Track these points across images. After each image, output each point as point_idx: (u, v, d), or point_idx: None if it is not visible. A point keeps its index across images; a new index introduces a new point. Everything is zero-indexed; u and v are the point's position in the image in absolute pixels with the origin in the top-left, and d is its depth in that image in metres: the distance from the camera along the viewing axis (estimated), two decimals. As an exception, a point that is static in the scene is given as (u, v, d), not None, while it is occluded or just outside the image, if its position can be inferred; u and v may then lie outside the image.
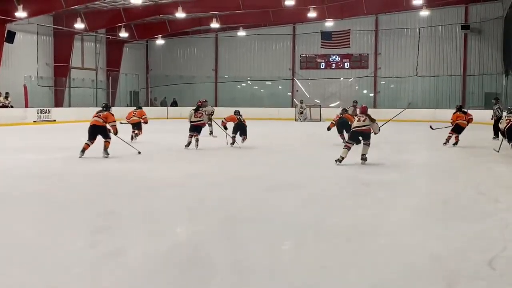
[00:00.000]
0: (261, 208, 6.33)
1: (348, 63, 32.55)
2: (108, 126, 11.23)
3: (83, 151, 10.98)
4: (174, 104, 33.72)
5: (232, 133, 14.04)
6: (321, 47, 31.86)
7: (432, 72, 30.75)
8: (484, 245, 4.69)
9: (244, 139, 13.97)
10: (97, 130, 11.15)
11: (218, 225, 5.44)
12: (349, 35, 31.08)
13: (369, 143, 10.32)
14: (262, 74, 34.32)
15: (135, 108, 16.56)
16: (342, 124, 14.00)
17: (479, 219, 5.78)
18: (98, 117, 11.20)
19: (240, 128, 14.01)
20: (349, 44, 31.21)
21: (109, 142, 11.26)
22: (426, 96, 30.69)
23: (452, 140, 13.98)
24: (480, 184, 8.10)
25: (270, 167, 10.11)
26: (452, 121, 14.17)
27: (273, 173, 9.23)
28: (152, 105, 35.14)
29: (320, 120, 28.14)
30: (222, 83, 35.21)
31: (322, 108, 29.30)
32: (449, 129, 14.25)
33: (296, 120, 28.85)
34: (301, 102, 29.73)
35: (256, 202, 6.66)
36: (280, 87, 34.42)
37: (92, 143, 11.13)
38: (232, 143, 13.92)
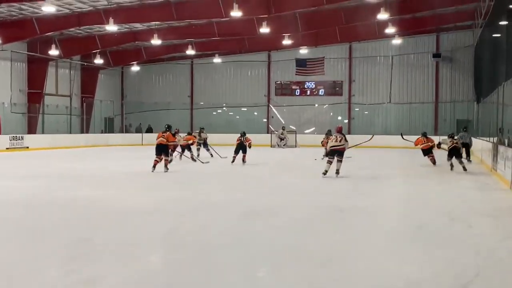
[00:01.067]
0: (236, 234, 6.29)
1: (323, 89, 32.84)
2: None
3: (154, 166, 13.66)
4: (149, 130, 33.53)
5: (234, 153, 16.52)
6: (296, 74, 32.24)
7: (405, 99, 31.25)
8: (458, 271, 4.73)
9: (244, 156, 16.44)
10: (161, 148, 13.92)
11: (193, 252, 5.38)
12: (323, 63, 31.53)
13: (342, 160, 12.64)
14: (237, 100, 34.44)
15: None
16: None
17: (453, 244, 5.83)
18: (163, 137, 14.11)
19: (241, 147, 16.47)
20: (323, 71, 31.62)
21: (167, 160, 14.04)
22: (399, 122, 31.09)
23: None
24: (453, 209, 8.18)
25: (246, 192, 10.09)
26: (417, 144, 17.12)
27: (249, 199, 9.21)
28: (127, 131, 34.96)
29: (296, 146, 28.29)
30: (198, 109, 35.22)
31: (297, 134, 29.49)
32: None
33: (272, 146, 28.92)
34: (283, 129, 29.79)
35: (232, 229, 6.62)
36: (255, 113, 34.55)
37: (160, 159, 13.94)
38: (232, 161, 16.40)
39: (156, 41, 25.97)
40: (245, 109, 34.62)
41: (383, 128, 31.27)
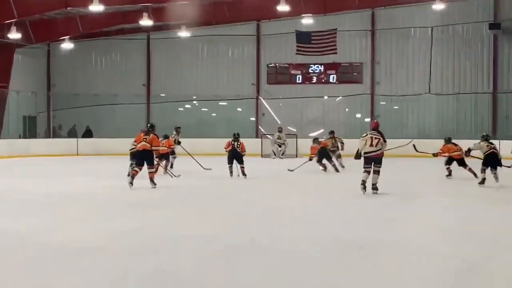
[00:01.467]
0: (211, 279, 6.28)
1: (335, 75, 32.89)
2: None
3: (132, 177, 14.59)
4: (88, 134, 33.34)
5: (228, 163, 17.79)
6: (297, 54, 32.21)
7: (451, 89, 31.37)
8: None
9: (242, 169, 17.72)
10: (144, 156, 14.79)
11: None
12: (335, 37, 31.45)
13: (380, 169, 13.42)
14: (213, 91, 34.29)
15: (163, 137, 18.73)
16: (322, 153, 18.44)
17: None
18: (145, 140, 14.80)
19: (235, 156, 17.77)
20: (335, 49, 31.57)
21: (153, 172, 14.86)
22: (443, 121, 31.22)
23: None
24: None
25: (226, 221, 10.06)
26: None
27: (230, 230, 9.18)
28: (55, 135, 34.71)
29: (297, 156, 28.19)
30: (157, 103, 35.11)
31: (298, 139, 29.47)
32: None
33: (263, 156, 28.78)
34: (280, 131, 29.49)
35: (206, 272, 6.60)
36: (239, 109, 34.56)
37: (140, 169, 14.74)
38: (231, 174, 17.74)
39: (96, 7, 25.72)
40: (225, 104, 34.59)
41: (420, 129, 31.27)
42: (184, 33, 33.15)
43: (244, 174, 17.77)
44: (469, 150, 16.61)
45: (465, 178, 17.15)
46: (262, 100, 33.81)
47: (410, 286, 6.16)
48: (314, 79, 33.16)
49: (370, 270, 6.77)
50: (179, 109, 35.16)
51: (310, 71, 33.15)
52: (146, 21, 29.33)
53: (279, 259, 7.24)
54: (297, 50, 32.04)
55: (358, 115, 32.87)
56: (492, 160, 15.61)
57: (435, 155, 18.42)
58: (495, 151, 15.76)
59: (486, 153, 15.70)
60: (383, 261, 7.18)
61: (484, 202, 12.50)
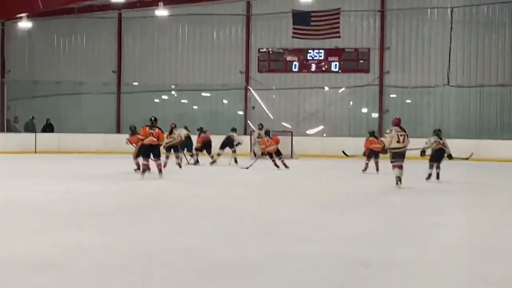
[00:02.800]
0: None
1: (337, 63, 32.88)
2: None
3: (143, 172, 17.60)
4: (48, 128, 33.20)
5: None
6: (294, 37, 32.16)
7: (474, 81, 31.34)
8: None
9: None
10: (152, 150, 17.72)
11: None
12: (338, 19, 31.49)
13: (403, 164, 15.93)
14: (195, 80, 34.33)
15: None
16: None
17: None
18: (152, 135, 17.60)
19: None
20: (338, 32, 31.57)
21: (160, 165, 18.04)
22: (464, 118, 31.17)
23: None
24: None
25: (210, 236, 9.90)
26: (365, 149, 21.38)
27: (214, 246, 9.02)
28: (10, 129, 34.56)
29: (292, 157, 28.13)
30: (130, 94, 35.02)
31: (294, 137, 29.36)
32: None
33: (251, 156, 28.75)
34: (260, 128, 29.02)
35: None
36: (225, 101, 34.54)
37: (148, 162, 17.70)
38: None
39: (59, -21, 25.64)
40: (208, 94, 34.58)
41: (436, 126, 31.08)
42: (161, 12, 32.93)
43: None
44: (424, 151, 18.27)
45: (492, 189, 17.11)
46: (252, 91, 33.82)
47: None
48: (313, 67, 33.17)
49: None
50: (155, 100, 35.12)
51: (308, 57, 33.18)
52: (117, -4, 29.22)
53: (272, 279, 7.09)
54: (294, 33, 32.00)
55: (364, 110, 32.86)
56: (439, 156, 17.93)
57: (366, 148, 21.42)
58: (443, 147, 17.92)
59: (435, 149, 17.87)
60: (390, 282, 7.06)
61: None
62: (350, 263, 8.02)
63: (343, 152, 23.27)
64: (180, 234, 10.08)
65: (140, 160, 18.76)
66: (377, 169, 20.90)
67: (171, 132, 22.18)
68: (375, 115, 32.29)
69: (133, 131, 20.80)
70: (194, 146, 25.03)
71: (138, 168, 19.06)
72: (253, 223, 11.29)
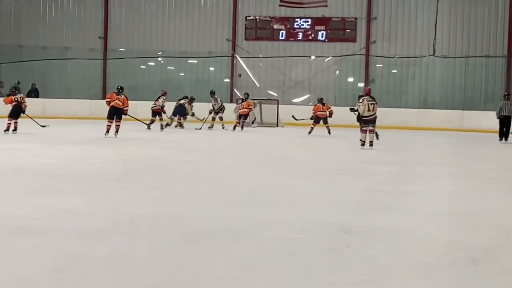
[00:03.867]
0: (175, 266, 6.11)
1: (324, 32, 32.81)
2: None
3: (108, 132, 19.83)
4: (34, 93, 33.00)
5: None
6: (280, 5, 31.98)
7: (459, 51, 31.37)
8: None
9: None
10: (116, 112, 20.21)
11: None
12: (326, -12, 31.43)
13: (374, 129, 18.12)
14: (182, 47, 34.23)
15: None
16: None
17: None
18: (118, 100, 20.24)
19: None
20: (325, 1, 31.40)
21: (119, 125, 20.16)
22: (449, 89, 31.21)
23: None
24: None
25: (193, 202, 9.92)
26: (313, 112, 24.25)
27: (197, 212, 9.03)
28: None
29: (277, 125, 28.17)
30: (115, 59, 34.83)
31: (280, 105, 29.33)
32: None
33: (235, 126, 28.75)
34: (245, 98, 28.59)
35: (169, 258, 6.44)
36: (211, 68, 34.41)
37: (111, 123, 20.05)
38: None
39: None
40: (194, 61, 34.47)
41: (422, 97, 31.33)
42: (148, -22, 32.85)
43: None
44: (354, 110, 19.46)
45: (476, 159, 17.20)
46: (239, 58, 33.74)
47: (403, 277, 6.05)
48: (300, 36, 33.10)
49: (357, 259, 6.67)
50: (141, 66, 35.03)
51: (295, 26, 33.10)
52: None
53: (255, 245, 7.10)
54: (281, 1, 31.83)
55: (350, 79, 32.86)
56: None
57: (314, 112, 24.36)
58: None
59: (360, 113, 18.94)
60: (372, 248, 7.08)
61: (497, 187, 12.44)
62: (331, 230, 8.03)
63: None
64: (164, 200, 10.11)
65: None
66: (329, 132, 23.85)
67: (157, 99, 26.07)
68: (361, 84, 32.24)
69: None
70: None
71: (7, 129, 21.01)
72: (236, 190, 11.31)
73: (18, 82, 33.58)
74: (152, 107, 25.73)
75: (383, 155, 16.90)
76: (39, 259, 6.41)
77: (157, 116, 25.46)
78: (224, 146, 19.06)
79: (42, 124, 22.72)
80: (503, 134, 22.12)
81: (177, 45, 34.24)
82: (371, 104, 17.95)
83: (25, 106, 22.06)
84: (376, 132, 19.26)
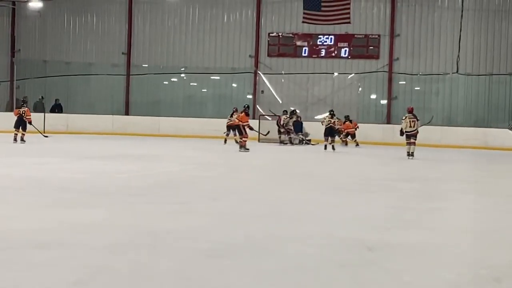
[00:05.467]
0: (197, 280, 6.09)
1: (347, 49, 32.77)
2: None
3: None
4: (57, 108, 33.14)
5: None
6: (304, 22, 32.01)
7: (483, 69, 31.23)
8: None
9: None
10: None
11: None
12: (349, 4, 31.28)
13: (415, 141, 20.92)
14: (205, 63, 34.24)
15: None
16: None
17: None
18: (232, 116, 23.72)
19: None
20: (349, 18, 31.37)
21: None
22: (473, 106, 31.07)
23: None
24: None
25: (214, 217, 9.90)
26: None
27: (219, 227, 9.01)
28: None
29: (304, 141, 28.13)
30: (139, 75, 34.90)
31: (303, 122, 29.20)
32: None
33: (259, 140, 28.68)
34: (292, 115, 28.32)
35: (191, 272, 6.43)
36: (234, 85, 34.42)
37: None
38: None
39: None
40: (217, 78, 34.48)
41: (445, 114, 31.21)
42: (172, -6, 32.97)
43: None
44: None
45: (500, 176, 17.12)
46: (261, 75, 33.74)
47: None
48: (323, 53, 33.09)
49: (381, 275, 6.62)
50: (164, 82, 35.02)
51: (318, 43, 33.08)
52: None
53: (275, 261, 7.07)
54: (304, 17, 31.83)
55: (373, 96, 32.78)
56: (329, 132, 24.00)
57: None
58: (333, 125, 24.36)
59: (326, 126, 24.12)
60: (396, 265, 7.04)
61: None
62: (354, 246, 7.99)
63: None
64: (186, 214, 10.10)
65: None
66: (357, 145, 27.54)
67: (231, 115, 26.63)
68: (383, 101, 32.24)
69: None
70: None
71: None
72: (259, 204, 11.29)
73: (42, 97, 33.99)
74: (227, 123, 26.77)
75: (406, 172, 16.86)
76: (60, 272, 6.41)
77: (231, 131, 26.31)
78: (248, 161, 19.04)
79: (45, 135, 25.77)
80: None
81: (200, 61, 34.28)
82: (411, 121, 20.87)
83: (28, 119, 24.16)
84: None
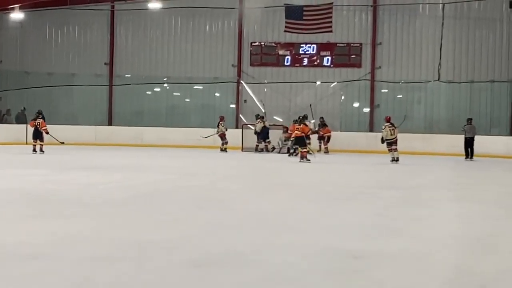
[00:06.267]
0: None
1: (330, 58, 32.80)
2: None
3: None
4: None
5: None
6: (286, 31, 32.04)
7: (464, 76, 31.34)
8: None
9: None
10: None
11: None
12: (331, 13, 31.34)
13: (397, 147, 22.20)
14: (187, 73, 34.22)
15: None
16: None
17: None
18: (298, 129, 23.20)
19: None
20: (331, 27, 31.44)
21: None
22: (454, 114, 31.18)
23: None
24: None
25: (198, 228, 9.89)
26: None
27: (202, 239, 9.00)
28: (1, 121, 34.39)
29: (280, 152, 28.12)
30: (121, 86, 34.82)
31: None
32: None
33: (243, 149, 28.68)
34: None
35: (175, 283, 6.43)
36: (217, 94, 34.45)
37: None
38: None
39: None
40: (200, 87, 34.47)
41: (427, 121, 31.32)
42: (154, 4, 32.82)
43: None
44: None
45: (483, 183, 17.20)
46: (244, 84, 33.71)
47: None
48: (305, 61, 33.07)
49: (364, 283, 6.64)
50: (147, 92, 34.99)
51: (300, 52, 33.08)
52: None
53: (261, 270, 7.08)
54: (286, 27, 31.85)
55: (356, 104, 32.81)
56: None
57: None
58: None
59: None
60: (379, 273, 7.06)
61: (505, 211, 12.40)
62: (339, 255, 8.01)
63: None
64: (170, 224, 10.09)
65: None
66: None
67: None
68: (366, 109, 32.30)
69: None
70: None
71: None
72: (244, 214, 11.30)
73: (24, 108, 33.73)
74: (217, 133, 28.53)
75: (389, 180, 16.91)
76: (46, 284, 6.40)
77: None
78: (233, 171, 19.03)
79: (61, 141, 26.87)
80: None
81: (182, 71, 34.26)
82: (391, 129, 22.39)
83: (45, 130, 25.67)
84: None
